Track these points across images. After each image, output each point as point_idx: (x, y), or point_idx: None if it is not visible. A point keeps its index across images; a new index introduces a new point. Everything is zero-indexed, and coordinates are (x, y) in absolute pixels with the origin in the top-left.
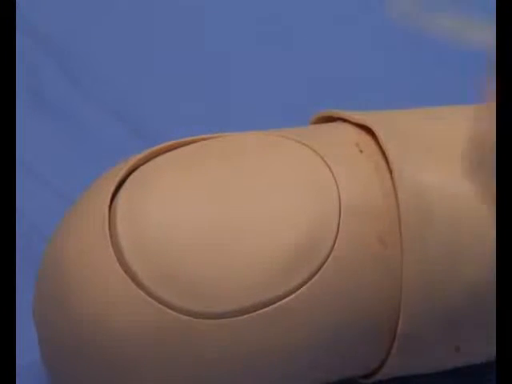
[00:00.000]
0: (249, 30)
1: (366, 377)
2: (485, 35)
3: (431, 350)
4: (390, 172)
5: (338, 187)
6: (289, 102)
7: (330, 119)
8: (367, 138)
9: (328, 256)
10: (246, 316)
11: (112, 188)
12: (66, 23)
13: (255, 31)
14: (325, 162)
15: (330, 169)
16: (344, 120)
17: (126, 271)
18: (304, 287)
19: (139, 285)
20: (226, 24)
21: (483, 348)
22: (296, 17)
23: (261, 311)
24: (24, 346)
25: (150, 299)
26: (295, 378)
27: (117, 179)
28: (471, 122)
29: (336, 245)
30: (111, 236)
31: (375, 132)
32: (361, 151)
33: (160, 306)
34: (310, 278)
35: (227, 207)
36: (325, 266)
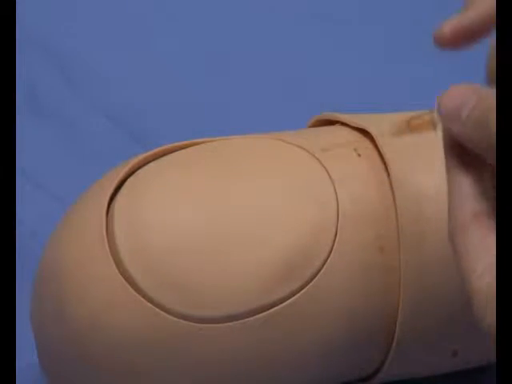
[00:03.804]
0: (247, 33)
1: (363, 380)
2: None
3: (429, 354)
4: (388, 175)
5: (335, 191)
6: (288, 103)
7: (328, 122)
8: (365, 142)
9: (326, 261)
10: (244, 320)
11: (109, 192)
12: (65, 29)
13: (254, 33)
14: (323, 165)
15: (328, 173)
16: (342, 123)
17: (124, 277)
18: (302, 292)
19: (138, 290)
20: (224, 27)
21: (481, 352)
22: (295, 18)
23: (259, 315)
24: (23, 348)
25: (147, 304)
26: (293, 381)
27: (114, 183)
28: None
29: (334, 250)
30: (109, 241)
31: (373, 136)
32: (359, 155)
33: (158, 310)
34: (307, 283)
35: (226, 213)
36: (323, 271)
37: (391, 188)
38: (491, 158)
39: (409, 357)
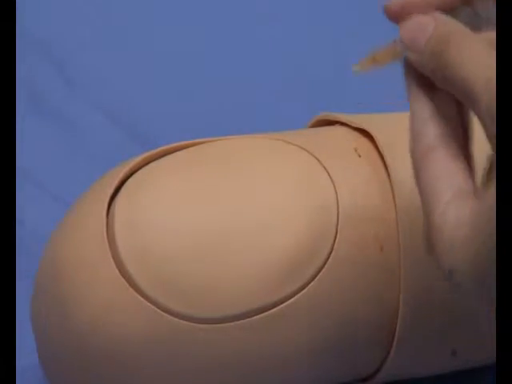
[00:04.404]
0: (247, 33)
1: (363, 380)
2: None
3: (428, 353)
4: (388, 175)
5: (336, 192)
6: (288, 103)
7: (328, 122)
8: (365, 142)
9: (326, 261)
10: (246, 321)
11: (110, 192)
12: (65, 29)
13: (254, 33)
14: (323, 166)
15: (328, 174)
16: (342, 123)
17: (125, 278)
18: (303, 292)
19: (138, 290)
20: (224, 27)
21: (480, 352)
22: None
23: (261, 316)
24: (24, 348)
25: (148, 305)
26: (295, 381)
27: (114, 183)
28: None
29: (334, 249)
30: (109, 241)
31: (374, 137)
32: (359, 156)
33: (159, 311)
34: (308, 283)
35: (226, 213)
36: (323, 271)
37: (391, 188)
38: (447, 87)
39: (409, 356)
